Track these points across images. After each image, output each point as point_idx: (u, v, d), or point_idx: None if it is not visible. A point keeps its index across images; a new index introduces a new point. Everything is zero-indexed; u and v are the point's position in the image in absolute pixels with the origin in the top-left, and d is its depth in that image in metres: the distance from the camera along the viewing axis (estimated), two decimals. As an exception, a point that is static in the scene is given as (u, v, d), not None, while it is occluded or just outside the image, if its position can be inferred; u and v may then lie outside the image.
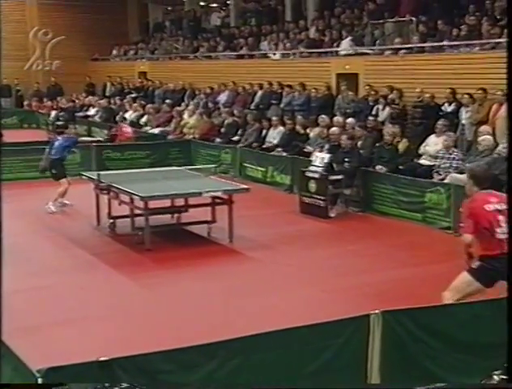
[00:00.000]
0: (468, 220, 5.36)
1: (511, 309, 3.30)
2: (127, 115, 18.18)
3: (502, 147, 9.66)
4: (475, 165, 6.05)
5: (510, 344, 3.36)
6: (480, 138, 10.23)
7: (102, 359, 3.89)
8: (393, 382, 4.65)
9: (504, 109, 10.95)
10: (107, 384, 3.35)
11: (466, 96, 11.45)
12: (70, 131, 11.42)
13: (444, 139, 10.51)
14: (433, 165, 10.34)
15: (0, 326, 3.68)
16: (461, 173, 9.84)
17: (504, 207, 5.27)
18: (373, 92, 13.45)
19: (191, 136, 15.53)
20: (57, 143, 10.84)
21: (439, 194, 9.46)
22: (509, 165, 3.71)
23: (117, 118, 18.12)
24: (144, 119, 17.83)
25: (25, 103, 24.15)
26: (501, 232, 5.20)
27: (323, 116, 12.99)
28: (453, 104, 11.77)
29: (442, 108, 11.92)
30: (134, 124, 17.29)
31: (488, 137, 10.09)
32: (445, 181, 9.74)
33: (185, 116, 16.72)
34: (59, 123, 19.02)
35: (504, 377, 3.68)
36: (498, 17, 12.76)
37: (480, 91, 11.30)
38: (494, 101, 11.13)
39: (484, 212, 5.28)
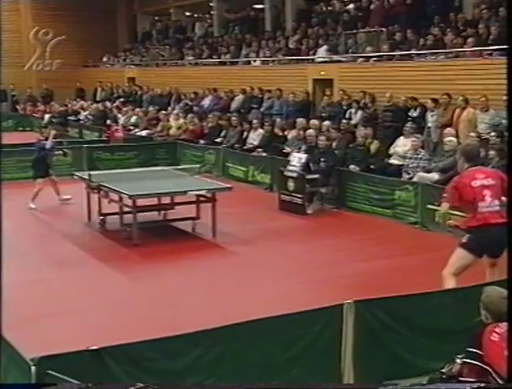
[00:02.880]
0: (452, 191, 5.53)
1: (511, 304, 3.28)
2: (117, 118, 18.07)
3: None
4: (465, 144, 6.21)
5: (510, 341, 3.34)
6: (444, 140, 10.32)
7: (92, 348, 3.86)
8: (364, 366, 4.67)
9: (466, 113, 11.08)
10: (90, 384, 3.31)
11: (431, 100, 11.52)
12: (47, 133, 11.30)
13: (412, 141, 10.57)
14: (402, 165, 10.39)
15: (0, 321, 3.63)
16: (428, 172, 9.93)
17: (491, 182, 5.48)
18: (346, 97, 13.50)
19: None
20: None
21: (407, 192, 9.52)
22: (510, 165, 3.70)
23: (108, 121, 18.04)
24: (133, 121, 17.73)
25: (19, 107, 23.89)
26: (485, 206, 5.38)
27: (301, 119, 13.02)
28: (419, 108, 11.84)
29: (410, 112, 11.98)
30: (123, 126, 17.18)
31: (452, 138, 10.16)
32: (413, 179, 9.80)
33: (172, 119, 16.66)
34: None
35: (466, 360, 3.71)
36: (461, 28, 12.86)
37: (444, 97, 11.38)
38: (457, 106, 11.23)
39: (470, 188, 5.44)
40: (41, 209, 10.64)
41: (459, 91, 11.21)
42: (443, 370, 3.94)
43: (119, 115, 18.30)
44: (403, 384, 3.49)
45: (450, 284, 5.40)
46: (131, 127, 17.44)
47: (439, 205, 5.60)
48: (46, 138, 11.00)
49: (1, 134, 12.65)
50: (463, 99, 10.98)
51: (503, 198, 5.46)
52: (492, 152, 9.20)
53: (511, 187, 3.60)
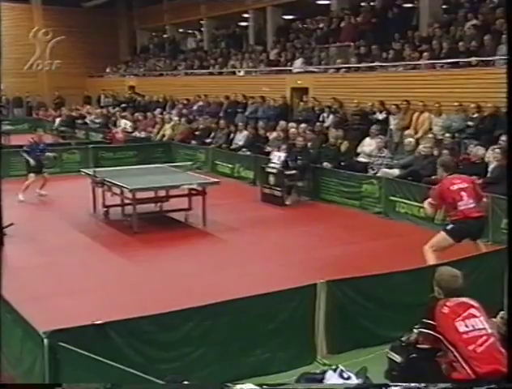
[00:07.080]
0: (436, 198, 5.97)
1: (511, 295, 3.24)
2: (118, 122, 17.92)
3: (422, 147, 9.82)
4: (443, 157, 6.49)
5: (510, 340, 3.29)
6: (405, 141, 10.38)
7: (97, 322, 3.84)
8: (335, 337, 4.70)
9: (422, 117, 11.15)
10: (108, 385, 3.25)
11: (393, 106, 11.58)
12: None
13: (376, 141, 10.62)
14: (368, 162, 10.44)
15: (0, 281, 3.59)
16: (390, 168, 9.98)
17: (466, 185, 5.91)
18: (316, 103, 13.53)
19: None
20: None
21: (373, 185, 9.57)
22: (510, 165, 3.62)
23: (110, 125, 17.88)
24: (132, 125, 17.58)
25: (34, 112, 23.72)
26: (463, 204, 5.79)
27: (282, 122, 13.02)
28: (383, 113, 11.90)
29: (375, 116, 12.03)
30: (124, 129, 17.03)
31: (411, 139, 10.24)
32: (378, 174, 9.85)
33: (167, 122, 16.55)
34: (62, 129, 18.74)
35: (421, 330, 3.74)
36: (417, 44, 12.94)
37: (404, 103, 11.45)
38: (415, 111, 11.30)
39: (449, 191, 5.84)
40: (52, 201, 10.55)
41: (417, 98, 11.29)
42: (402, 339, 3.98)
43: (120, 119, 18.15)
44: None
45: (431, 256, 5.76)
46: (131, 130, 17.30)
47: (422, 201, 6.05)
48: (37, 142, 10.99)
49: (1, 134, 12.48)
50: (423, 105, 11.07)
51: (484, 199, 5.97)
52: (445, 151, 9.29)
53: (511, 187, 3.56)
